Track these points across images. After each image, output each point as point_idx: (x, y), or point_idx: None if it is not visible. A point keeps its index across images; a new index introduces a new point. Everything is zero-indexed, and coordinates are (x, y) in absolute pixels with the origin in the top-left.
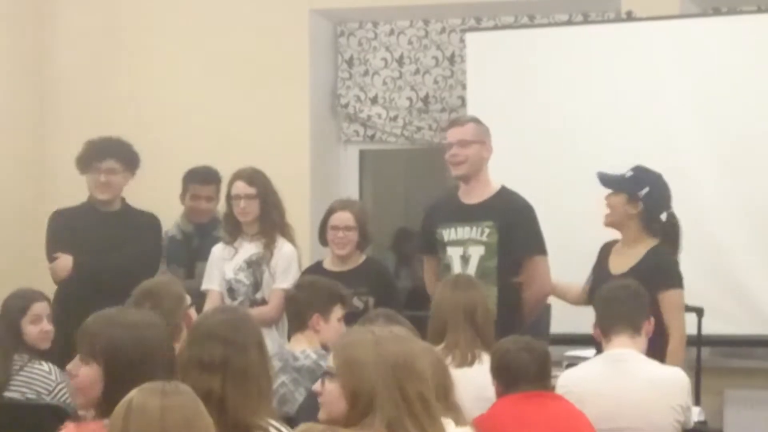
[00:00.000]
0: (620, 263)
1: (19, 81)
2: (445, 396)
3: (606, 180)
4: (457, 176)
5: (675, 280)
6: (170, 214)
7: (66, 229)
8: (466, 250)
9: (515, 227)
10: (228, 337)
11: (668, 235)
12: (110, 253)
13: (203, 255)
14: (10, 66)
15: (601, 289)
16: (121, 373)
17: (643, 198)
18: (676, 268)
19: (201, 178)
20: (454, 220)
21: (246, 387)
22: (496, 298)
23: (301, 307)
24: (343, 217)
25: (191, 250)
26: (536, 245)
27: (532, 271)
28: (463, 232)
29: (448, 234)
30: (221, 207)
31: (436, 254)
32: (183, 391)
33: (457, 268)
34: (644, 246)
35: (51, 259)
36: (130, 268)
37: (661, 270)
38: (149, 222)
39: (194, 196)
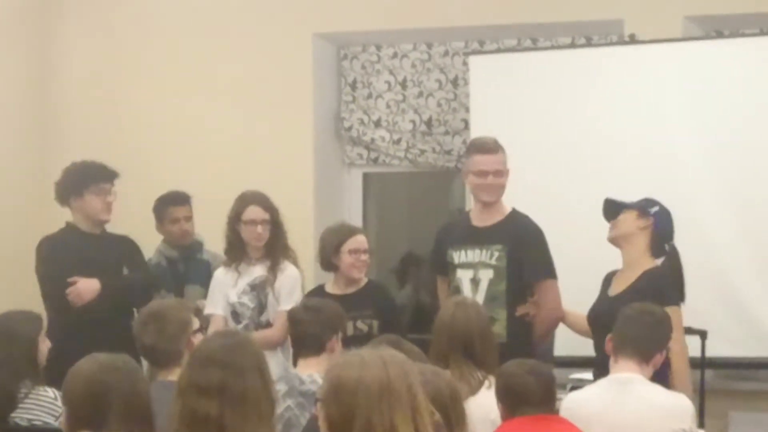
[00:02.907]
0: (618, 285)
1: (22, 104)
2: (454, 425)
3: (615, 203)
4: (487, 202)
5: (670, 298)
6: None
7: (65, 253)
8: (476, 273)
9: (524, 251)
10: (225, 361)
11: (671, 263)
12: (118, 276)
13: (191, 278)
14: (13, 89)
15: (627, 306)
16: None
17: (653, 214)
18: (671, 286)
19: (177, 200)
20: (464, 243)
21: (245, 411)
22: (506, 321)
23: (320, 330)
24: (363, 240)
25: (178, 274)
26: (545, 269)
27: (542, 295)
28: (473, 255)
29: (458, 256)
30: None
31: (447, 275)
32: None
33: (466, 290)
34: (642, 267)
35: (64, 283)
36: (146, 288)
37: (655, 288)
38: (133, 244)
39: (174, 219)
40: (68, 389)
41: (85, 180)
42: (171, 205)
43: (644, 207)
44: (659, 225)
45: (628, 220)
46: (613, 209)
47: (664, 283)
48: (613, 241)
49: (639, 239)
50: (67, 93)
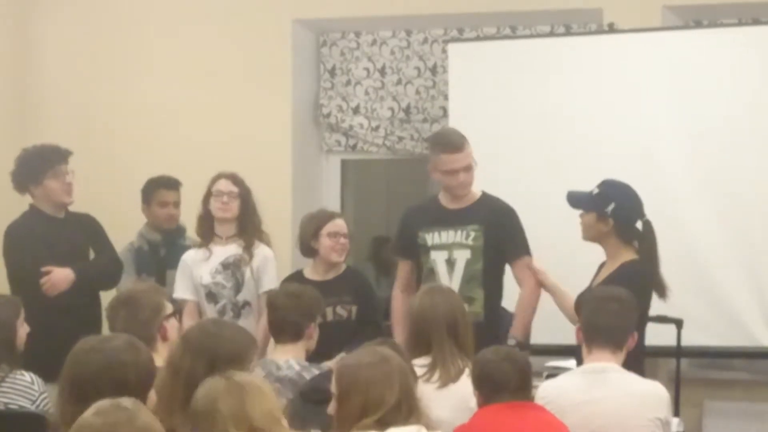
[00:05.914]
0: (601, 275)
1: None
2: (407, 400)
3: (574, 200)
4: (461, 195)
5: (637, 295)
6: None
7: (33, 240)
8: (451, 254)
9: (501, 230)
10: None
11: (644, 243)
12: (88, 262)
13: (172, 263)
14: None
15: (591, 296)
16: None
17: (611, 214)
18: (639, 283)
19: (168, 184)
20: (437, 225)
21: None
22: (483, 300)
23: (299, 317)
24: (342, 224)
25: (160, 259)
26: (523, 247)
27: (521, 272)
28: (447, 236)
29: (431, 238)
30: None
31: (412, 258)
32: (122, 408)
33: (441, 272)
34: (620, 260)
35: (35, 271)
36: (114, 272)
37: (623, 285)
38: (96, 223)
39: (163, 202)
40: (67, 370)
41: (42, 166)
42: (162, 188)
43: (601, 208)
44: (621, 220)
45: (591, 225)
46: (573, 206)
47: (631, 280)
48: (587, 241)
49: (609, 239)
50: (46, 77)
